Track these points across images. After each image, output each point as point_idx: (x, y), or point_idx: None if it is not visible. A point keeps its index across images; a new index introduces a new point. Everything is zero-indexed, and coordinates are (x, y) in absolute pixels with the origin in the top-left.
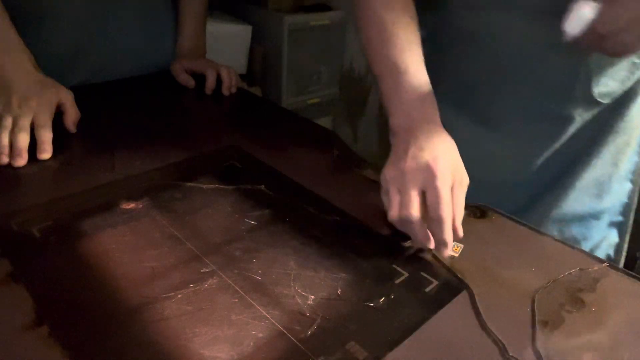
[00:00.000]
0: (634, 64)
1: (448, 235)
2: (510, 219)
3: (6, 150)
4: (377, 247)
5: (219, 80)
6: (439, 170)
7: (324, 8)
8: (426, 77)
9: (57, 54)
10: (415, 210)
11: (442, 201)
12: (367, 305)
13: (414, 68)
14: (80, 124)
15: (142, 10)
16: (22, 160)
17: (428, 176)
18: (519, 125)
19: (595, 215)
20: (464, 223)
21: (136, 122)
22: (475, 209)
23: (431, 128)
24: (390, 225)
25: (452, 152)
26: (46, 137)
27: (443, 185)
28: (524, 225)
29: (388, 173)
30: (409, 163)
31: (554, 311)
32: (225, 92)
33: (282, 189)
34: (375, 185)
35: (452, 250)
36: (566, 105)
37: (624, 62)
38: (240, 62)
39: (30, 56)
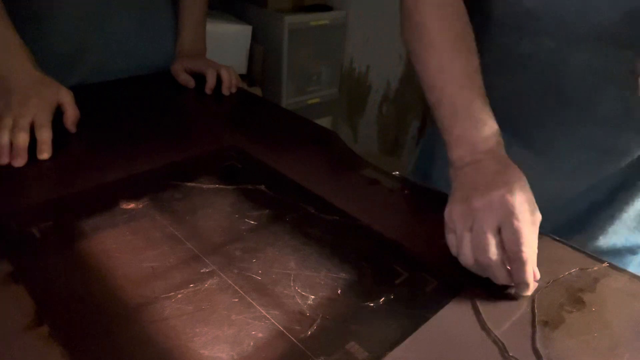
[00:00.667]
0: None
1: (530, 277)
2: None
3: (6, 150)
4: (377, 247)
5: (219, 80)
6: (516, 206)
7: (324, 8)
8: (489, 106)
9: (57, 54)
10: (494, 255)
11: (524, 241)
12: (367, 305)
13: (477, 99)
14: (80, 124)
15: (142, 10)
16: (22, 160)
17: (505, 213)
18: (566, 152)
19: (632, 250)
20: None
21: (136, 122)
22: None
23: (500, 160)
24: (390, 226)
25: (525, 186)
26: (46, 136)
27: (522, 222)
28: None
29: (455, 211)
30: (480, 199)
31: (554, 311)
32: (225, 92)
33: (282, 189)
34: (375, 185)
35: (533, 289)
36: (617, 136)
37: None
38: (240, 62)
39: (30, 56)
